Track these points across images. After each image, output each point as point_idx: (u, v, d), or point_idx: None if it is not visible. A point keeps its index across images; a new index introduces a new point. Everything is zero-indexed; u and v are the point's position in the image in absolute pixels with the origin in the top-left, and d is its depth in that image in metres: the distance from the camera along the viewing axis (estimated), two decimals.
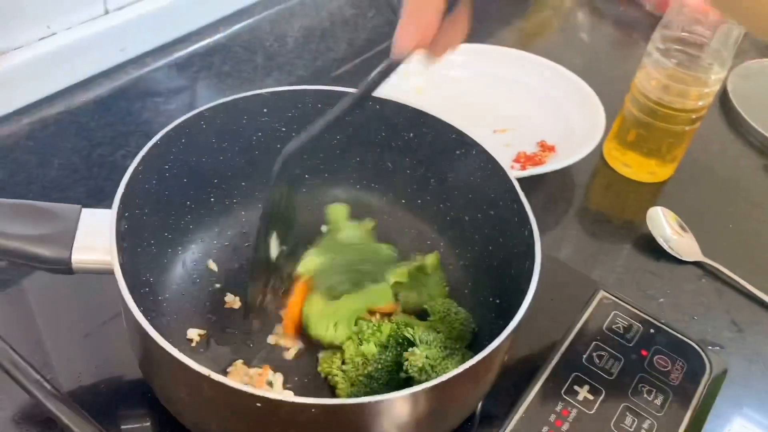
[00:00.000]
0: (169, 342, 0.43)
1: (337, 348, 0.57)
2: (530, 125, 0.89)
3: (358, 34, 0.97)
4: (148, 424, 0.54)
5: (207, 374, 0.41)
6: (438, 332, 0.56)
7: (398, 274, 0.61)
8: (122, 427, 0.54)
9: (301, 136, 0.51)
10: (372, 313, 0.59)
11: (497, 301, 0.59)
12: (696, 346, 0.64)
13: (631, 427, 0.57)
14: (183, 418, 0.50)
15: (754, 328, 0.69)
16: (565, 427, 0.56)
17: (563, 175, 0.83)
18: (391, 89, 0.59)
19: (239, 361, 0.57)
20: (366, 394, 0.54)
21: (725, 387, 0.62)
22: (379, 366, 0.54)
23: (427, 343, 0.54)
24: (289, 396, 0.41)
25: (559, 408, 0.57)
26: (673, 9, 0.75)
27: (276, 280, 0.58)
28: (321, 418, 0.42)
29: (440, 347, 0.54)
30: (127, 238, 0.51)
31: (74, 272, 0.49)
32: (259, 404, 0.41)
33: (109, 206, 0.50)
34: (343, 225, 0.66)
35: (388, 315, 0.60)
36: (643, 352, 0.63)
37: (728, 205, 0.83)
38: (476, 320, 0.60)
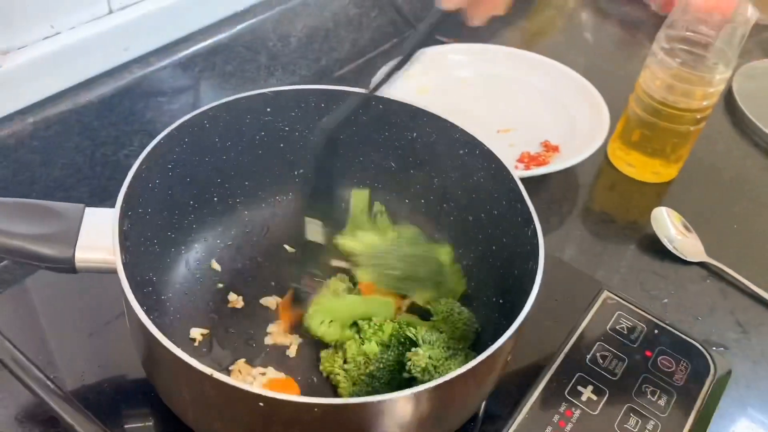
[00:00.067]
0: (172, 341, 0.43)
1: (334, 346, 0.57)
2: (534, 125, 0.89)
3: (361, 34, 0.97)
4: (151, 423, 0.54)
5: (209, 373, 0.41)
6: (441, 332, 0.56)
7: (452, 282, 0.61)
8: (125, 426, 0.54)
9: (341, 107, 0.52)
10: None
11: (500, 301, 0.59)
12: (700, 347, 0.64)
13: (634, 428, 0.56)
14: (186, 417, 0.50)
15: (759, 329, 0.68)
16: (569, 427, 0.56)
17: (567, 175, 0.82)
18: (394, 89, 0.59)
19: (242, 361, 0.57)
20: (368, 393, 0.54)
21: (730, 388, 0.62)
22: (381, 365, 0.54)
23: (430, 343, 0.54)
24: (291, 395, 0.41)
25: (562, 408, 0.57)
26: (677, 9, 0.75)
27: (313, 266, 0.58)
28: (324, 417, 0.42)
29: (443, 347, 0.54)
30: (130, 237, 0.51)
31: (77, 271, 0.49)
32: (261, 403, 0.41)
33: (112, 205, 0.50)
34: (364, 211, 0.66)
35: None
36: (647, 353, 0.62)
37: (733, 205, 0.83)
38: (479, 320, 0.59)
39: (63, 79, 0.66)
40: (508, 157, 0.60)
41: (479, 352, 0.44)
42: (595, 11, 1.19)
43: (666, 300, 0.70)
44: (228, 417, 0.45)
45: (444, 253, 0.64)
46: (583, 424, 0.56)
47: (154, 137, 0.56)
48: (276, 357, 0.59)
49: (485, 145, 0.60)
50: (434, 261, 0.62)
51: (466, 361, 0.45)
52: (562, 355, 0.61)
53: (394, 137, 0.66)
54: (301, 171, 0.68)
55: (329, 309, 0.58)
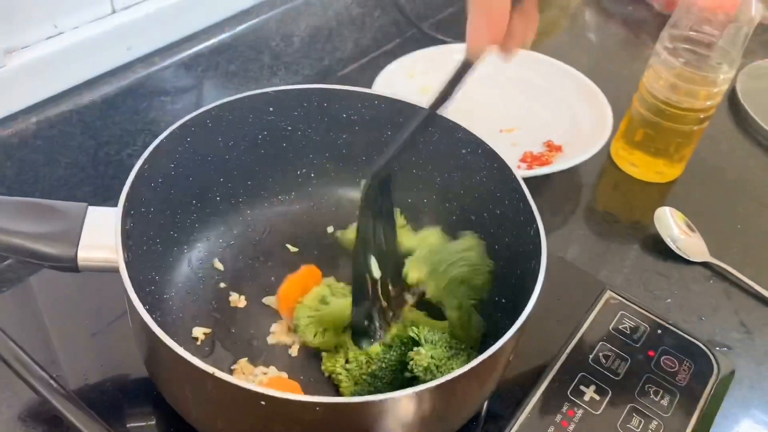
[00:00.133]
0: (174, 340, 0.43)
1: (335, 346, 0.57)
2: (537, 125, 0.89)
3: (364, 34, 0.97)
4: (154, 422, 0.54)
5: (211, 372, 0.41)
6: (443, 333, 0.56)
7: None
8: (128, 425, 0.54)
9: (380, 158, 0.50)
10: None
11: (503, 301, 0.59)
12: (703, 347, 0.63)
13: (637, 428, 0.56)
14: (188, 416, 0.50)
15: (762, 330, 0.68)
16: (571, 427, 0.56)
17: (570, 175, 0.82)
18: (397, 88, 0.58)
19: (244, 360, 0.57)
20: (370, 393, 0.54)
21: (733, 388, 0.62)
22: (383, 365, 0.54)
23: (432, 342, 0.54)
24: (293, 394, 0.41)
25: (565, 408, 0.57)
26: (681, 8, 0.75)
27: (381, 304, 0.56)
28: (326, 416, 0.42)
29: (445, 347, 0.54)
30: (132, 236, 0.51)
31: (80, 270, 0.50)
32: (263, 402, 0.41)
33: (115, 205, 0.50)
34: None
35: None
36: (650, 353, 0.62)
37: (736, 205, 0.83)
38: (483, 319, 0.59)
39: (66, 79, 0.66)
40: (511, 156, 0.60)
41: (481, 352, 0.44)
42: (599, 11, 1.19)
43: (669, 300, 0.70)
44: (230, 416, 0.45)
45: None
46: (586, 424, 0.56)
47: (157, 137, 0.56)
48: (278, 356, 0.59)
49: (488, 145, 0.60)
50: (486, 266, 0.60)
51: (469, 360, 0.45)
52: (564, 355, 0.61)
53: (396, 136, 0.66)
54: (304, 171, 0.68)
55: (320, 319, 0.57)
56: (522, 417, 0.56)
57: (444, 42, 0.97)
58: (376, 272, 0.54)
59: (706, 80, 0.74)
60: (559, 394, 0.58)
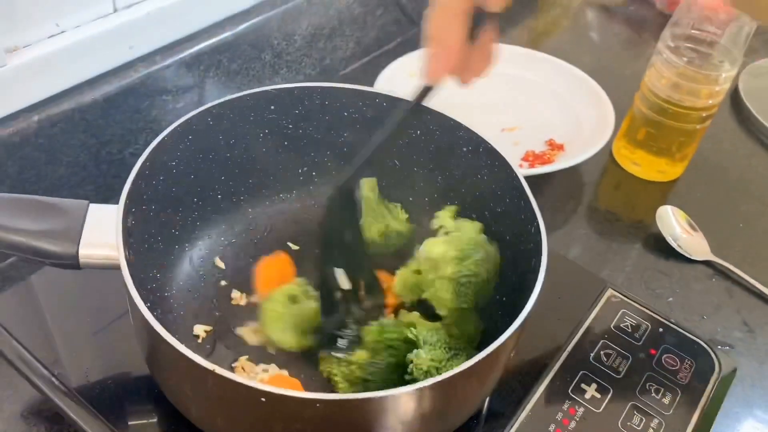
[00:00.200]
0: (175, 338, 0.43)
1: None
2: (539, 124, 0.89)
3: (366, 33, 0.97)
4: (155, 419, 0.54)
5: (211, 369, 0.41)
6: (446, 333, 0.56)
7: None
8: (129, 422, 0.54)
9: (346, 170, 0.52)
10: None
11: (504, 299, 0.59)
12: (705, 346, 0.63)
13: (638, 426, 0.56)
14: (189, 413, 0.50)
15: (764, 329, 0.68)
16: (573, 425, 0.56)
17: (572, 173, 0.82)
18: (398, 87, 0.58)
19: (244, 358, 0.57)
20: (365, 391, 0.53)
21: (735, 387, 0.62)
22: (374, 370, 0.53)
23: (431, 344, 0.53)
24: (293, 391, 0.41)
25: (566, 406, 0.57)
26: (683, 7, 0.75)
27: (353, 314, 0.56)
28: (326, 413, 0.42)
29: (444, 348, 0.53)
30: (133, 233, 0.51)
31: (81, 267, 0.50)
32: (263, 399, 0.41)
33: (117, 204, 0.50)
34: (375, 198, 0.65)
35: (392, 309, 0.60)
36: (652, 351, 0.62)
37: (739, 204, 0.83)
38: (483, 318, 0.59)
39: (68, 78, 0.66)
40: (512, 155, 0.60)
41: (482, 350, 0.44)
42: (601, 10, 1.19)
43: (671, 299, 0.70)
44: (230, 413, 0.46)
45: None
46: (587, 422, 0.56)
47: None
48: (279, 355, 0.58)
49: (488, 143, 0.60)
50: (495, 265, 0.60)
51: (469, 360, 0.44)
52: (566, 353, 0.61)
53: (398, 135, 0.65)
54: (305, 169, 0.68)
55: (287, 319, 0.57)
56: (523, 415, 0.56)
57: None
58: (345, 284, 0.55)
59: (708, 79, 0.74)
60: (560, 392, 0.58)
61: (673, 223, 0.76)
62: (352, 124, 0.65)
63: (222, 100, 0.60)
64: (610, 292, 0.67)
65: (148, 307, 0.44)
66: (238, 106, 0.61)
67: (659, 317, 0.65)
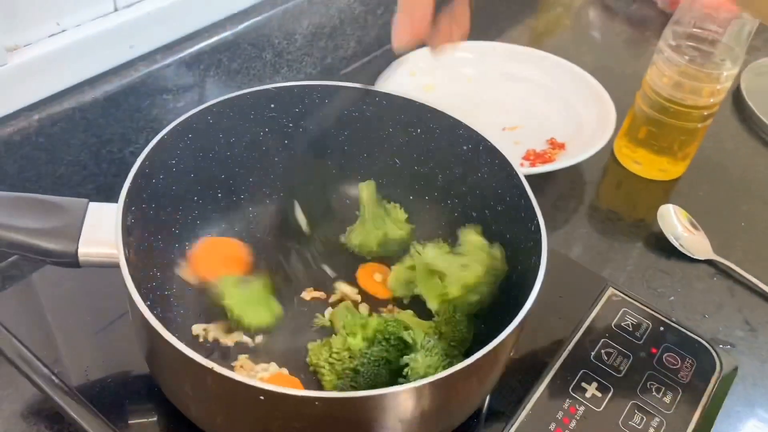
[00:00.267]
0: (175, 337, 0.43)
1: (321, 339, 0.58)
2: (540, 123, 0.88)
3: (367, 32, 0.96)
4: (155, 418, 0.54)
5: (211, 367, 0.41)
6: (441, 334, 0.56)
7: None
8: (129, 421, 0.54)
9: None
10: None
11: (504, 297, 0.59)
12: (706, 344, 0.63)
13: (639, 425, 0.56)
14: (189, 412, 0.50)
15: (766, 328, 0.68)
16: (573, 424, 0.56)
17: (573, 172, 0.82)
18: (400, 86, 0.58)
19: (244, 356, 0.57)
20: (352, 388, 0.53)
21: (736, 386, 0.61)
22: (366, 360, 0.53)
23: (428, 350, 0.52)
24: (292, 389, 0.41)
25: (566, 405, 0.57)
26: (684, 5, 0.75)
27: (309, 253, 0.58)
28: (325, 411, 0.42)
29: (441, 354, 0.52)
30: (133, 232, 0.51)
31: (81, 266, 0.50)
32: (262, 397, 0.41)
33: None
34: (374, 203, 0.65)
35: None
36: (653, 350, 0.62)
37: (740, 203, 0.82)
38: (483, 316, 0.59)
39: (68, 77, 0.66)
40: (513, 154, 0.60)
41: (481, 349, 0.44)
42: (603, 9, 1.19)
43: (672, 297, 0.70)
44: (230, 411, 0.46)
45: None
46: (588, 421, 0.56)
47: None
48: (279, 354, 0.58)
49: (489, 141, 0.60)
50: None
51: None
52: (566, 352, 0.61)
53: (399, 134, 0.65)
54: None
55: (247, 296, 0.58)
56: (523, 414, 0.56)
57: None
58: (304, 226, 0.57)
59: (709, 77, 0.74)
60: (561, 390, 0.58)
61: (674, 221, 0.76)
62: (352, 123, 0.65)
63: (222, 98, 0.60)
64: (611, 290, 0.67)
65: (148, 306, 0.44)
66: (238, 104, 0.61)
67: (660, 316, 0.65)
